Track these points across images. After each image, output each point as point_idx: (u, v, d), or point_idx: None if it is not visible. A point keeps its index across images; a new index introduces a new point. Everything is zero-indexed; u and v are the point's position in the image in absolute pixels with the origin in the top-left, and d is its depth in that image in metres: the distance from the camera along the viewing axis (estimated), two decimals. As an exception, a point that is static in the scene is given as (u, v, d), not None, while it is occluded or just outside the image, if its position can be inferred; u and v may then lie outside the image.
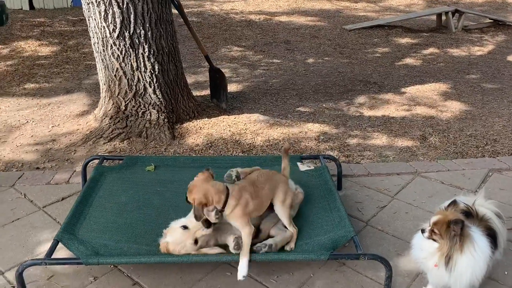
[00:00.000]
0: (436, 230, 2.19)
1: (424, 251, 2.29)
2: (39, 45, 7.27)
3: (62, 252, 2.65)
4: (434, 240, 2.21)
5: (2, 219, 3.08)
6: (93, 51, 4.48)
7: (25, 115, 4.88)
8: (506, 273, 2.65)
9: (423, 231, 2.24)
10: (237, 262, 2.44)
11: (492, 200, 2.52)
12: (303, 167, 3.41)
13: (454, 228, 2.13)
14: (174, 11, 4.62)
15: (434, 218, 2.21)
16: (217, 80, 5.07)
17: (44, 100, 5.30)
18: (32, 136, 4.43)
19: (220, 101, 5.07)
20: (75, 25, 8.56)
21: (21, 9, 9.75)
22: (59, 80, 5.94)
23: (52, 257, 2.45)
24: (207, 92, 5.41)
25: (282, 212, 2.65)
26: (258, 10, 10.50)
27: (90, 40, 4.42)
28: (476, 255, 2.17)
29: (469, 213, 2.44)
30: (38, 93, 5.49)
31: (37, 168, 3.85)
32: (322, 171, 3.32)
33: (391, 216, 3.20)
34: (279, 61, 6.94)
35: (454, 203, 2.33)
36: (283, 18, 9.72)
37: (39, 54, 6.91)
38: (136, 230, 2.74)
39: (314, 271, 2.66)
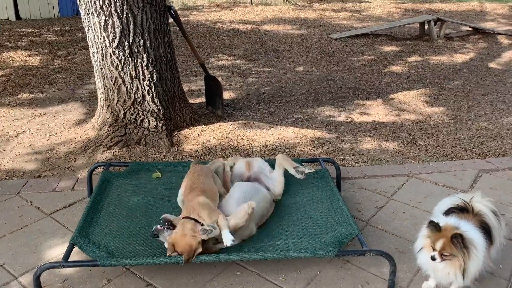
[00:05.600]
0: (446, 253, 2.31)
1: (439, 271, 2.40)
2: (29, 55, 7.27)
3: (75, 256, 2.70)
4: (445, 259, 2.34)
5: (11, 226, 3.11)
6: (84, 61, 4.52)
7: (21, 125, 4.90)
8: (501, 266, 2.80)
9: (433, 258, 2.34)
10: (246, 261, 2.64)
11: (490, 198, 2.66)
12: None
13: (457, 242, 2.27)
14: (170, 20, 4.72)
15: (438, 244, 2.31)
16: (212, 88, 5.17)
17: (39, 109, 5.32)
18: (30, 145, 4.45)
19: (215, 108, 5.16)
20: (63, 35, 8.56)
21: (7, 19, 9.73)
22: (53, 89, 5.96)
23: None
24: (201, 100, 5.50)
25: None
26: (245, 19, 10.67)
27: (80, 50, 4.46)
28: (478, 254, 2.30)
29: (465, 209, 2.58)
30: (32, 103, 5.50)
31: (39, 176, 3.88)
32: (323, 173, 3.44)
33: (389, 216, 3.33)
34: (269, 69, 7.08)
35: (431, 223, 2.42)
36: (270, 27, 9.90)
37: (30, 64, 6.91)
38: (147, 234, 2.80)
39: (320, 269, 2.77)
